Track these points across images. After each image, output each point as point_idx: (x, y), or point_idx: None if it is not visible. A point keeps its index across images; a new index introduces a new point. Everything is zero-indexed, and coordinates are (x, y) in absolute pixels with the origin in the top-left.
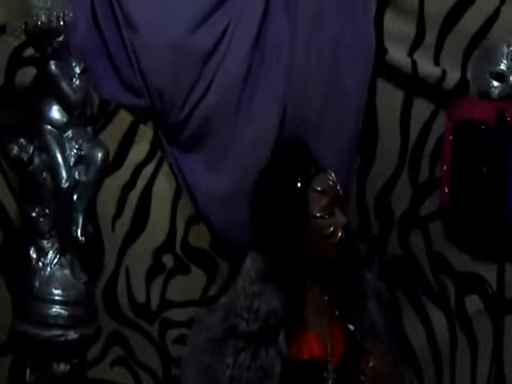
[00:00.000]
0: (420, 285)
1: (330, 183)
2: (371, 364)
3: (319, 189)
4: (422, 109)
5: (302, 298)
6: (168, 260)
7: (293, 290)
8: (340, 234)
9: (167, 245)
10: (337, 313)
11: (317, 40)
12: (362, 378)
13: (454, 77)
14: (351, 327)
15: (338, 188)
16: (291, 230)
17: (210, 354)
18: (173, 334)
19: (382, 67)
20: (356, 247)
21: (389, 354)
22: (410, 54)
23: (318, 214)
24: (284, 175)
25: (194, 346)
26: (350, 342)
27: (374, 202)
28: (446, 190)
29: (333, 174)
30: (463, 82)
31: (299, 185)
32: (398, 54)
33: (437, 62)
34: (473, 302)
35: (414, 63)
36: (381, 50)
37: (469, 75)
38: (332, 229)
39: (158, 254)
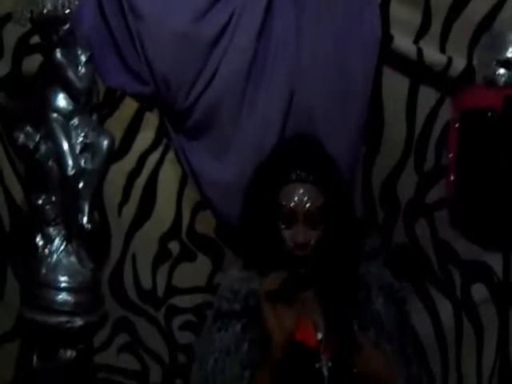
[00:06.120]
0: (426, 273)
1: (301, 197)
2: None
3: (283, 203)
4: (427, 96)
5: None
6: (174, 247)
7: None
8: (299, 252)
9: (173, 231)
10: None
11: (324, 29)
12: (355, 370)
13: (459, 64)
14: (319, 335)
15: (309, 204)
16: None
17: (204, 343)
18: (179, 320)
19: (388, 55)
20: (359, 237)
21: (384, 347)
22: (416, 41)
23: (280, 224)
24: (263, 176)
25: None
26: (343, 332)
27: (379, 190)
28: (452, 178)
29: (312, 188)
30: (469, 70)
31: (269, 191)
32: (403, 42)
33: (443, 50)
34: (479, 291)
35: (419, 51)
36: (387, 38)
37: (475, 63)
38: (292, 244)
39: (164, 240)
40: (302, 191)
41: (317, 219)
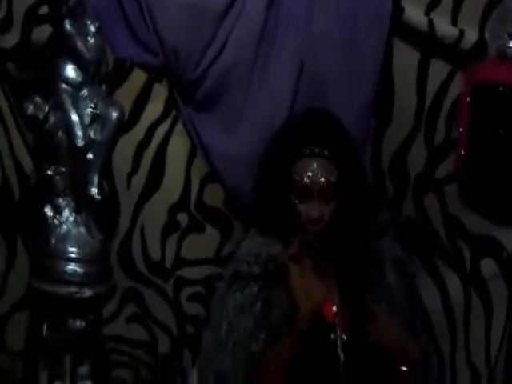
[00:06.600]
0: (435, 248)
1: (315, 172)
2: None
3: (297, 178)
4: (438, 69)
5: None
6: (183, 218)
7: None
8: (312, 228)
9: (182, 203)
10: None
11: (334, 1)
12: (370, 339)
13: (471, 37)
14: (334, 308)
15: (323, 180)
16: (277, 196)
17: (218, 308)
18: (187, 291)
19: (399, 27)
20: (373, 212)
21: (398, 318)
22: (427, 13)
23: (294, 199)
24: (276, 150)
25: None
26: (354, 303)
27: (388, 164)
28: (462, 152)
29: (326, 163)
30: (481, 43)
31: (282, 166)
32: (414, 13)
33: (454, 22)
34: (488, 266)
35: (431, 23)
36: (397, 10)
37: (487, 36)
38: (306, 218)
39: (172, 211)
40: (316, 166)
41: (331, 194)
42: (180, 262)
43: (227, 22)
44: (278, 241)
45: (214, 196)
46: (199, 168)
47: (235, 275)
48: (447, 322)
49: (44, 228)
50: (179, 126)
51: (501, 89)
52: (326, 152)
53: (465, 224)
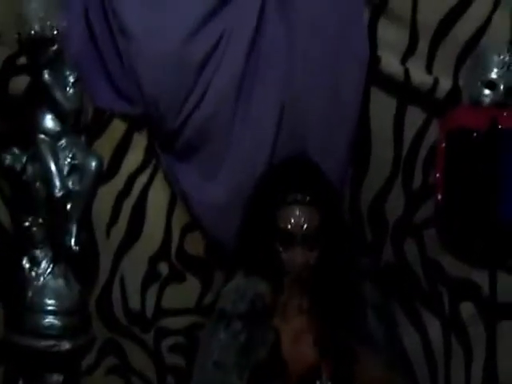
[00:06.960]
0: (415, 292)
1: (298, 219)
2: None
3: (281, 225)
4: (414, 117)
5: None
6: (163, 268)
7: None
8: (297, 273)
9: (162, 253)
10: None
11: (313, 50)
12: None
13: (446, 85)
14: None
15: (306, 226)
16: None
17: (206, 340)
18: (168, 342)
19: (376, 76)
20: (354, 257)
21: (380, 359)
22: (403, 62)
23: (278, 247)
24: (260, 198)
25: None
26: (338, 347)
27: (367, 210)
28: (440, 198)
29: (308, 210)
30: (455, 91)
31: (266, 215)
32: (391, 63)
33: (429, 71)
34: (467, 308)
35: (406, 72)
36: (374, 59)
37: (461, 83)
38: (291, 265)
39: (153, 261)
40: (298, 213)
41: (314, 240)
42: (161, 312)
43: (207, 72)
44: (263, 280)
45: (195, 245)
46: (180, 217)
47: (220, 314)
48: (427, 365)
49: (21, 280)
50: (159, 175)
51: (474, 135)
52: (308, 199)
53: (444, 267)
